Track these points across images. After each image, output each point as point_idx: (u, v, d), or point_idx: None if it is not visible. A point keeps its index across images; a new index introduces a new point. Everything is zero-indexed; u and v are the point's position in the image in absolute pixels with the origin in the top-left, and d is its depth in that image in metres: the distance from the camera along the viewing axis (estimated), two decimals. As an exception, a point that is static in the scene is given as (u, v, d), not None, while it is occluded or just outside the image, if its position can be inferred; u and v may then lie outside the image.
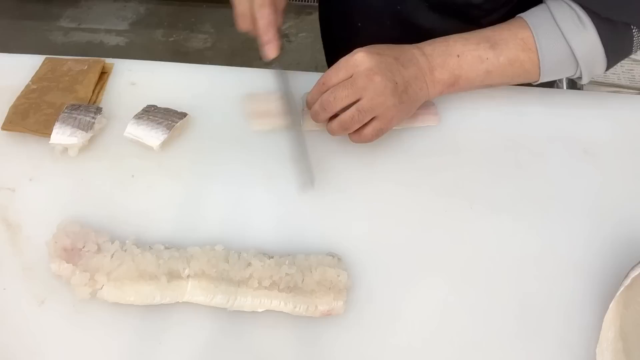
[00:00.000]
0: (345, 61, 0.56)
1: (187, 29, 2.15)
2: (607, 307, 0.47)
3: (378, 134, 0.57)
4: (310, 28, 2.12)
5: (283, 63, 0.62)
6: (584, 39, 0.57)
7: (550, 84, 0.74)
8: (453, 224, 0.57)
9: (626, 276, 0.47)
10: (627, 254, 0.54)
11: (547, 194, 0.59)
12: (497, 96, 0.67)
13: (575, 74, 0.61)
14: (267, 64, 0.61)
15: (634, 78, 1.35)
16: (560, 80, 1.06)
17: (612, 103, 0.68)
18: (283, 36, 2.11)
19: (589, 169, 0.61)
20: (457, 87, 0.61)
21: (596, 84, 1.29)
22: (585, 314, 0.51)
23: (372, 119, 0.56)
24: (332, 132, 0.58)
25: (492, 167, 0.61)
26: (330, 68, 0.57)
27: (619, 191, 0.59)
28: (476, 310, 0.51)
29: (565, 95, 0.69)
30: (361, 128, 0.57)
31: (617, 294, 0.47)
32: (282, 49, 0.59)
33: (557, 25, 0.57)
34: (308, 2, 2.17)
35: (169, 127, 0.60)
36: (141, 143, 0.60)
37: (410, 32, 0.68)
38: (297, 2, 2.21)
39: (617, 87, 1.34)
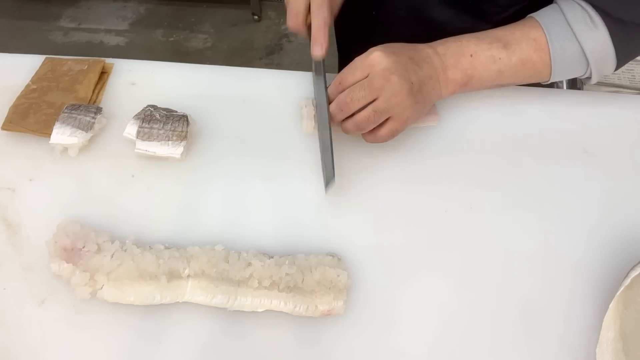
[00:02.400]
0: (361, 61, 0.55)
1: (187, 29, 2.15)
2: (607, 307, 0.47)
3: (393, 135, 0.57)
4: (310, 28, 2.12)
5: (283, 63, 0.62)
6: (595, 39, 0.57)
7: (550, 84, 0.74)
8: (453, 224, 0.57)
9: (626, 276, 0.47)
10: (627, 254, 0.54)
11: (547, 193, 0.59)
12: (497, 96, 0.67)
13: (585, 74, 0.61)
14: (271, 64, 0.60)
15: (634, 78, 1.35)
16: (560, 80, 1.06)
17: (612, 103, 0.68)
18: (283, 36, 2.11)
19: (589, 169, 0.61)
20: (470, 87, 0.61)
21: (596, 84, 1.29)
22: (586, 314, 0.51)
23: (387, 119, 0.56)
24: (346, 132, 0.58)
25: (492, 167, 0.61)
26: (346, 67, 0.56)
27: (619, 191, 0.59)
28: (476, 310, 0.51)
29: (565, 95, 0.69)
30: (376, 128, 0.56)
31: (617, 294, 0.47)
32: (327, 50, 0.58)
33: (569, 25, 0.57)
34: (308, 2, 2.17)
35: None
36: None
37: (424, 25, 0.68)
38: (297, 2, 2.21)
39: (617, 87, 1.33)
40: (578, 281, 0.53)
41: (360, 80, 0.55)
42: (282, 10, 2.20)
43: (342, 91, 0.56)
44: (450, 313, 0.51)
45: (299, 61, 2.00)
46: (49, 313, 0.50)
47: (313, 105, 0.63)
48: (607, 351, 0.47)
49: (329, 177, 0.55)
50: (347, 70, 0.56)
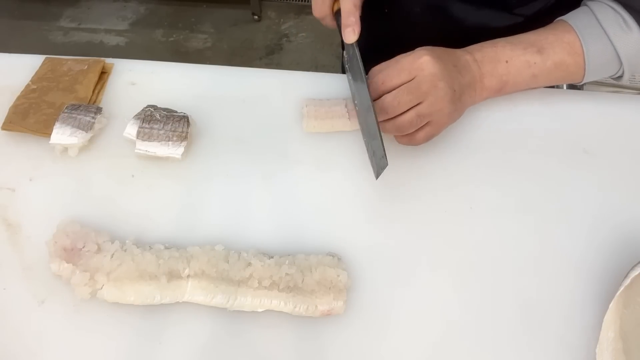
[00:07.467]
0: (410, 62, 0.54)
1: (187, 29, 2.15)
2: (607, 307, 0.47)
3: (428, 139, 0.57)
4: (310, 28, 2.12)
5: (283, 63, 0.62)
6: (629, 41, 0.57)
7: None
8: (453, 224, 0.57)
9: (626, 276, 0.47)
10: (627, 254, 0.54)
11: (547, 194, 0.59)
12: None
13: (616, 73, 0.62)
14: (272, 64, 0.60)
15: (634, 78, 1.35)
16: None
17: (612, 103, 0.68)
18: (283, 36, 2.11)
19: (588, 169, 0.61)
20: (503, 92, 0.61)
21: (596, 84, 1.29)
22: (585, 314, 0.51)
23: (425, 124, 0.56)
24: (385, 132, 0.57)
25: (492, 167, 0.61)
26: (390, 66, 0.55)
27: (618, 191, 0.59)
28: (476, 310, 0.51)
29: (565, 95, 0.69)
30: (413, 132, 0.56)
31: (617, 294, 0.47)
32: (360, 35, 0.57)
33: (603, 28, 0.57)
34: (308, 2, 2.17)
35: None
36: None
37: (440, 21, 0.68)
38: (297, 2, 2.21)
39: (617, 87, 1.33)
40: (578, 281, 0.53)
41: (407, 83, 0.54)
42: (282, 10, 2.20)
43: (384, 91, 0.55)
44: (451, 313, 0.51)
45: (299, 61, 2.00)
46: (49, 313, 0.50)
47: (352, 101, 0.62)
48: (607, 351, 0.47)
49: (380, 162, 0.53)
50: (391, 70, 0.55)
